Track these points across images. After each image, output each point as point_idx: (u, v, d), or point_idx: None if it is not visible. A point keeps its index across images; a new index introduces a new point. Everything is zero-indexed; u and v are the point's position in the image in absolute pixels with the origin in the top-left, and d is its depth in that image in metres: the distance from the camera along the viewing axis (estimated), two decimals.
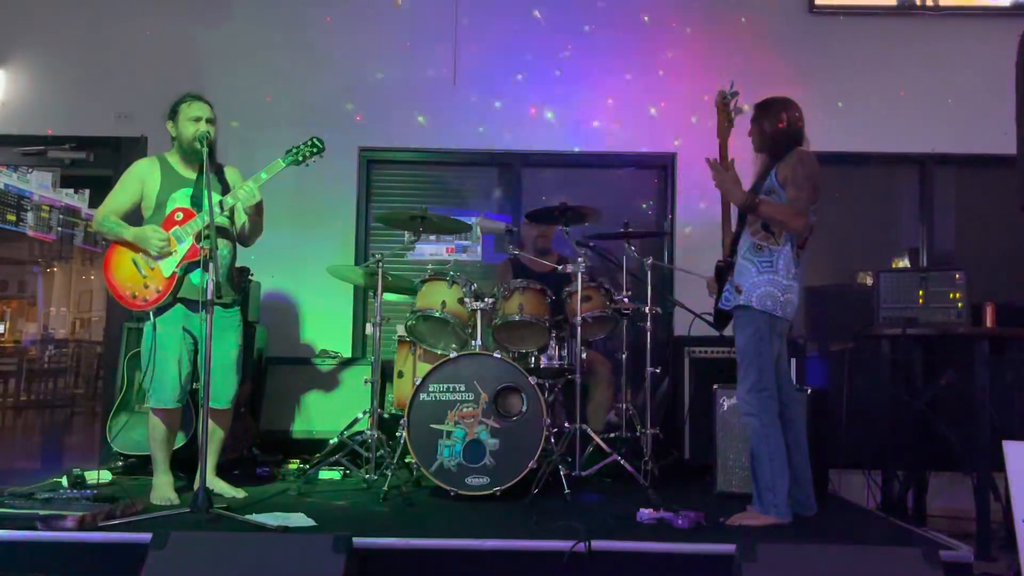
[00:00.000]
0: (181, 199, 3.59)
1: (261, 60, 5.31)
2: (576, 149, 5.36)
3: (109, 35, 5.29)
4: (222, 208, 3.57)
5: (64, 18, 5.31)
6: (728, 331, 3.53)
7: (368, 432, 4.01)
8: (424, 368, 4.04)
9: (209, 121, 3.61)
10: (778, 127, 3.33)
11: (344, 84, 5.33)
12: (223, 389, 3.62)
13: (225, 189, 3.68)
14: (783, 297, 3.26)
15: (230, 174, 3.77)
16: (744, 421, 3.35)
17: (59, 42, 5.31)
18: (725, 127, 3.34)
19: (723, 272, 3.38)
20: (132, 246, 3.56)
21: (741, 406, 3.34)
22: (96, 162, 5.37)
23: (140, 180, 3.66)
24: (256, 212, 3.65)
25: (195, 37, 5.29)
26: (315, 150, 3.67)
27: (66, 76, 5.31)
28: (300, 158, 3.66)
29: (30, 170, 8.09)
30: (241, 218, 3.73)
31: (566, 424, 3.97)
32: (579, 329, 3.92)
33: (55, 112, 5.29)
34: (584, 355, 4.01)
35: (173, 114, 3.65)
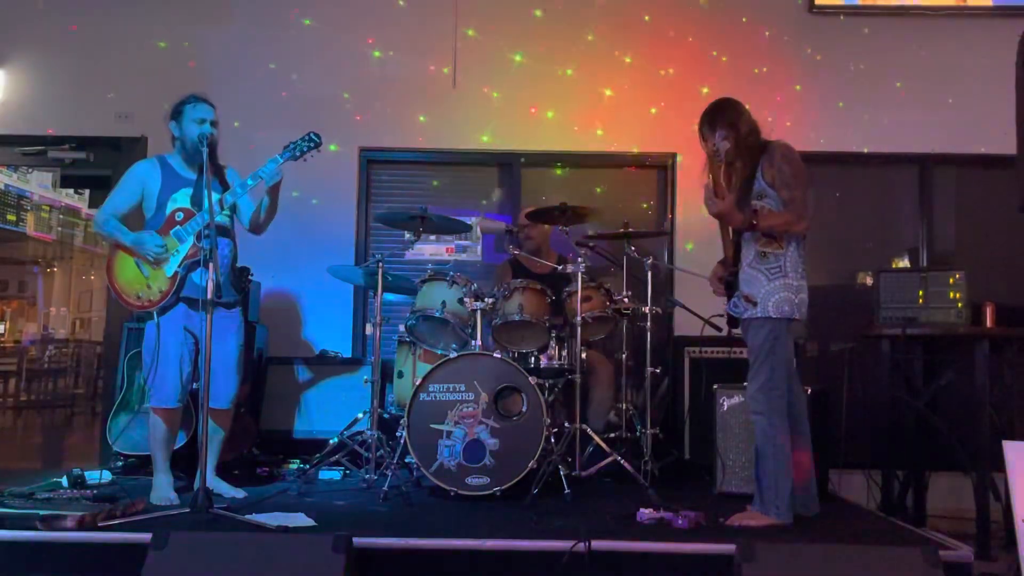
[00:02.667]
0: (181, 199, 3.60)
1: (261, 60, 5.30)
2: (576, 149, 5.35)
3: (109, 35, 5.29)
4: (222, 206, 3.57)
5: (64, 18, 5.30)
6: (734, 331, 3.53)
7: (368, 432, 4.01)
8: (424, 368, 4.04)
9: (213, 124, 3.61)
10: (749, 128, 3.31)
11: (344, 84, 5.33)
12: (224, 389, 3.63)
13: (225, 189, 3.68)
14: (797, 298, 3.25)
15: (230, 175, 3.77)
16: (751, 419, 3.34)
17: (59, 42, 5.30)
18: (717, 167, 3.32)
19: (732, 284, 3.37)
20: (131, 251, 3.56)
21: (749, 404, 3.33)
22: (96, 162, 5.36)
23: (141, 182, 3.66)
24: (273, 193, 3.65)
25: (195, 38, 5.29)
26: (311, 144, 3.67)
27: (66, 76, 5.30)
28: (298, 153, 3.65)
29: (30, 170, 8.11)
30: (248, 210, 3.73)
31: (566, 424, 3.97)
32: (579, 329, 3.92)
33: (55, 112, 5.28)
34: (584, 355, 4.01)
35: (176, 114, 3.65)
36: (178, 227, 3.56)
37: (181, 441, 3.90)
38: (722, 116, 3.34)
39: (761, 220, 3.20)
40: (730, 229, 3.37)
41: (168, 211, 3.59)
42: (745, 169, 3.29)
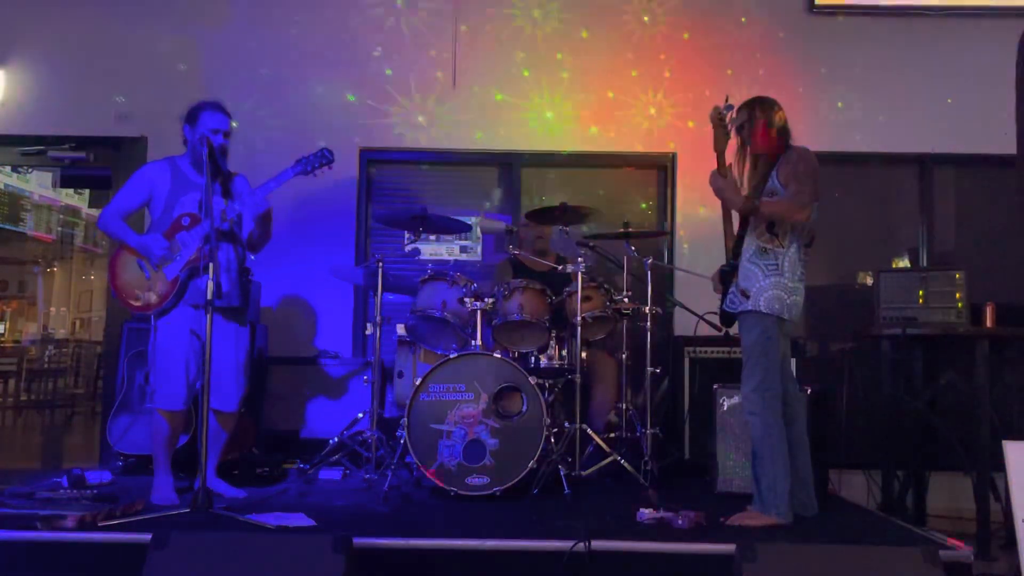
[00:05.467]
0: (189, 204, 3.58)
1: (261, 60, 5.30)
2: (576, 149, 5.35)
3: (109, 35, 5.28)
4: (224, 217, 3.55)
5: (64, 18, 5.29)
6: (730, 330, 3.53)
7: (368, 432, 4.01)
8: (424, 368, 4.05)
9: (226, 134, 3.60)
10: (776, 126, 3.33)
11: (344, 84, 5.32)
12: (231, 392, 3.62)
13: (229, 193, 3.67)
14: (789, 299, 3.26)
15: (240, 183, 3.74)
16: (747, 420, 3.35)
17: (59, 42, 5.30)
18: (722, 139, 3.33)
19: (728, 276, 3.37)
20: (135, 252, 3.56)
21: (744, 405, 3.33)
22: (96, 162, 5.36)
23: (150, 183, 3.65)
24: (264, 220, 3.64)
25: (195, 38, 5.28)
26: (324, 160, 3.64)
27: (66, 76, 5.29)
28: (309, 168, 3.63)
29: (30, 170, 8.11)
30: (247, 228, 3.72)
31: (566, 424, 3.97)
32: (579, 329, 3.92)
33: (55, 112, 5.27)
34: (584, 355, 4.01)
35: (192, 119, 3.61)
36: (183, 232, 3.55)
37: (182, 440, 3.90)
38: (756, 103, 3.36)
39: (763, 205, 3.22)
40: (735, 222, 3.37)
41: (175, 214, 3.58)
42: (764, 166, 3.31)
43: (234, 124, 4.94)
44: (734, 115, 3.34)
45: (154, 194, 3.63)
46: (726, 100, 3.36)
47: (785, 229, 3.27)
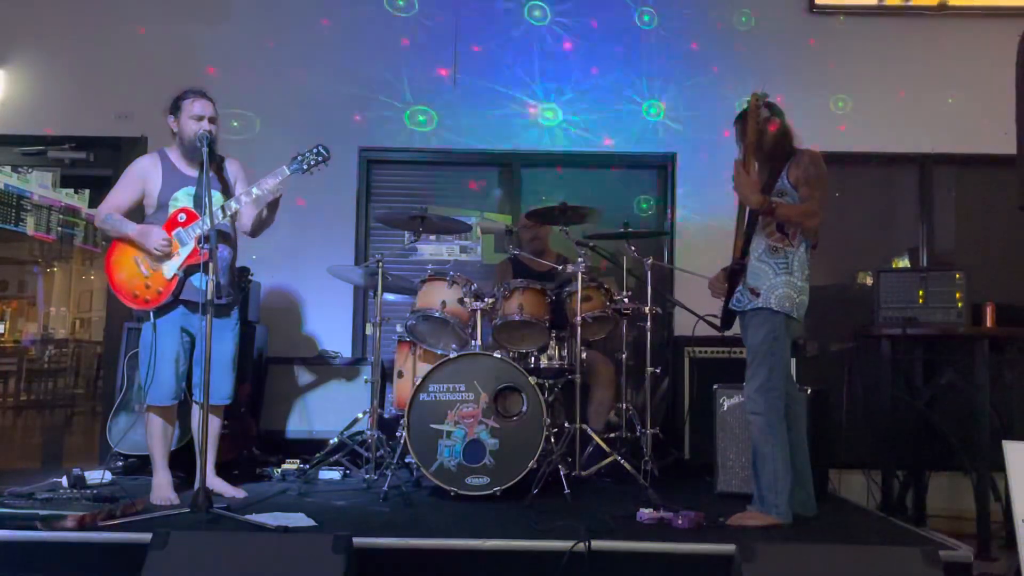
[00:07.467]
0: (184, 199, 3.58)
1: (261, 60, 5.30)
2: (576, 149, 5.35)
3: (109, 35, 5.28)
4: (224, 212, 3.55)
5: (64, 18, 5.30)
6: (729, 331, 3.53)
7: (368, 432, 4.01)
8: (424, 368, 4.05)
9: (211, 120, 3.59)
10: (781, 128, 3.34)
11: (344, 84, 5.32)
12: (219, 386, 3.62)
13: (226, 187, 3.68)
14: (799, 298, 3.28)
15: (231, 167, 3.76)
16: (749, 420, 3.35)
17: (59, 42, 5.30)
18: (754, 130, 3.32)
19: (736, 275, 3.37)
20: (134, 243, 3.56)
21: (748, 404, 3.33)
22: (96, 162, 5.36)
23: (142, 178, 3.65)
24: (272, 208, 3.64)
25: (195, 37, 5.28)
26: (320, 158, 3.63)
27: (66, 76, 5.30)
28: (306, 166, 3.62)
29: (30, 170, 8.10)
30: (249, 215, 3.72)
31: (566, 424, 3.97)
32: (579, 329, 3.92)
33: (55, 112, 5.27)
34: (584, 355, 4.01)
35: (175, 109, 3.63)
36: (180, 229, 3.55)
37: (180, 442, 3.90)
38: (770, 104, 3.38)
39: (779, 207, 3.23)
40: (744, 220, 3.37)
41: (171, 210, 3.58)
42: (772, 166, 3.33)
43: (234, 123, 4.98)
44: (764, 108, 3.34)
45: (147, 188, 3.63)
46: (761, 88, 3.35)
47: (795, 229, 3.28)
